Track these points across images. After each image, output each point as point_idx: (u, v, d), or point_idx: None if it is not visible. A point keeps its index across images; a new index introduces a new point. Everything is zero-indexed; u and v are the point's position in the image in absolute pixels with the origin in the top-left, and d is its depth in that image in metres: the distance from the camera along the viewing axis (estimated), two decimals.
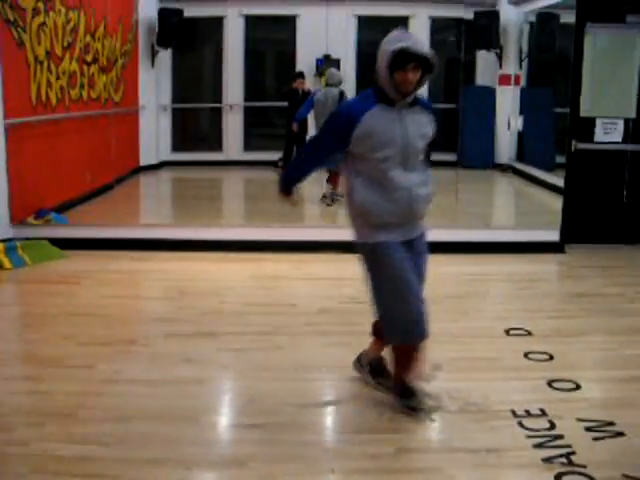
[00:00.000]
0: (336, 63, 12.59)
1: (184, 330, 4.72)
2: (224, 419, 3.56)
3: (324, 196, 9.14)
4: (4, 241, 6.44)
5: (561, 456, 3.16)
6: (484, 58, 13.57)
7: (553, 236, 7.04)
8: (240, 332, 4.65)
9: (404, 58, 3.19)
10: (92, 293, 5.56)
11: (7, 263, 6.16)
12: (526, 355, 4.34)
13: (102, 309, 5.17)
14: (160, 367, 4.11)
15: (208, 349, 4.34)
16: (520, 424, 3.45)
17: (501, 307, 5.43)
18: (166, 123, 13.42)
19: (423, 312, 3.46)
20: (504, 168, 12.89)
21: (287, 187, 3.59)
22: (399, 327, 3.45)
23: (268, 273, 6.09)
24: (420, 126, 3.38)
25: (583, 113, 7.04)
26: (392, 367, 3.66)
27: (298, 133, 10.77)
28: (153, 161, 12.70)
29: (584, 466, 3.07)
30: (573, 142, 7.05)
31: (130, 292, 5.80)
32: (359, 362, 3.89)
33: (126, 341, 4.56)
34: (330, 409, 3.68)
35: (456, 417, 3.54)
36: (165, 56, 12.90)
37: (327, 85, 9.84)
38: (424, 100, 3.50)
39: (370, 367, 3.84)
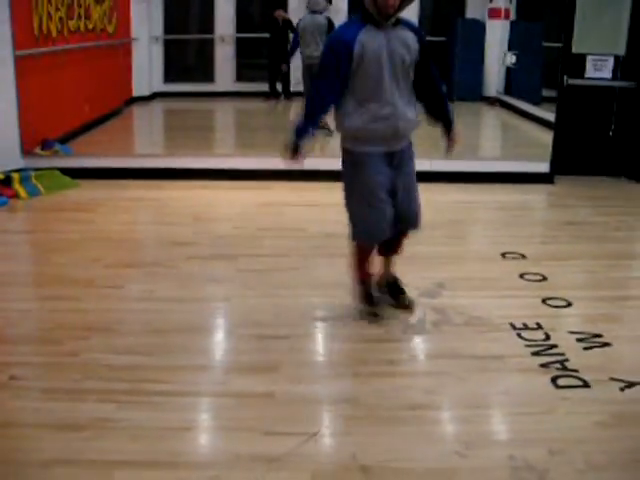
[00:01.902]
0: None
1: (203, 253, 5.04)
2: (252, 331, 3.88)
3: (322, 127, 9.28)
4: (18, 171, 6.67)
5: (556, 362, 3.53)
6: None
7: (543, 167, 7.35)
8: (256, 254, 4.97)
9: None
10: (109, 219, 5.84)
11: (23, 192, 6.40)
12: (521, 276, 4.70)
13: (121, 234, 5.48)
14: (187, 286, 4.43)
15: (229, 270, 4.65)
16: (519, 335, 3.82)
17: (496, 233, 5.79)
18: (158, 54, 13.47)
19: (385, 218, 3.75)
20: (492, 101, 13.12)
21: (298, 142, 3.72)
22: (361, 227, 3.80)
23: (274, 200, 6.38)
24: (406, 41, 3.65)
25: (574, 49, 7.27)
26: (350, 264, 4.04)
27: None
28: (146, 92, 12.80)
29: (576, 370, 3.45)
30: (565, 77, 7.30)
31: (145, 218, 6.12)
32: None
33: (150, 263, 4.89)
34: (347, 321, 3.99)
35: (462, 329, 3.91)
36: None
37: (311, 12, 9.37)
38: (408, 21, 3.78)
39: (388, 288, 4.18)
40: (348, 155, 3.79)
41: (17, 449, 2.79)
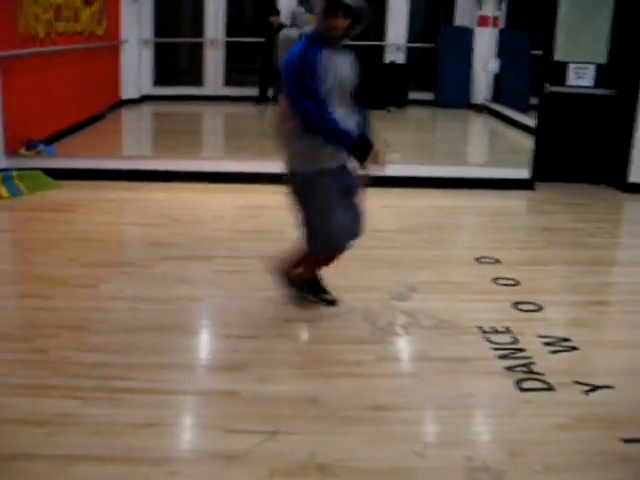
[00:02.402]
0: None
1: (179, 254, 5.06)
2: (221, 331, 3.92)
3: None
4: (0, 171, 6.68)
5: (522, 366, 3.56)
6: None
7: (524, 174, 7.41)
8: (232, 256, 4.99)
9: (333, 5, 3.59)
10: (88, 220, 5.86)
11: (4, 192, 6.41)
12: (494, 280, 4.74)
13: (99, 235, 5.49)
14: (159, 286, 4.45)
15: (203, 271, 4.69)
16: (487, 339, 3.85)
17: (472, 238, 5.84)
18: (147, 57, 13.49)
19: (345, 229, 3.86)
20: (479, 108, 13.17)
21: (358, 141, 3.76)
22: (321, 241, 3.87)
23: (254, 203, 6.41)
24: (351, 66, 3.80)
25: (556, 57, 7.34)
26: (303, 265, 4.10)
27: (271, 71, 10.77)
28: (135, 95, 12.81)
29: (542, 374, 3.48)
30: (546, 85, 7.36)
31: (124, 219, 6.13)
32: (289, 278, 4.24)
33: (125, 263, 4.91)
34: (316, 323, 4.04)
35: (430, 332, 3.94)
36: None
37: (291, 25, 9.72)
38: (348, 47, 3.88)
39: (308, 286, 4.22)
40: (296, 178, 3.86)
41: None
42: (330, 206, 3.78)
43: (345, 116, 3.74)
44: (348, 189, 3.87)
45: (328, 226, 3.80)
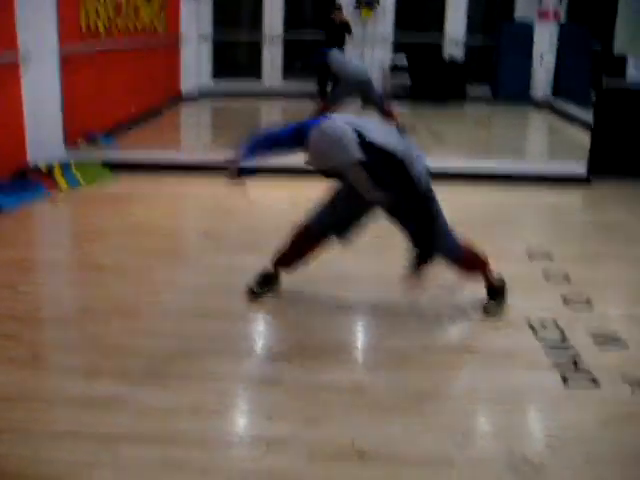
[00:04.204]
0: None
1: (230, 244, 5.16)
2: (269, 319, 4.01)
3: None
4: (60, 163, 6.86)
5: (569, 361, 3.53)
6: None
7: (580, 169, 7.30)
8: None
9: None
10: (144, 211, 5.99)
11: (63, 183, 6.59)
12: (545, 275, 4.69)
13: (154, 225, 5.61)
14: (210, 276, 4.53)
15: (254, 262, 4.72)
16: (535, 333, 3.82)
17: (526, 232, 5.76)
18: (206, 52, 13.68)
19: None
20: (539, 104, 13.01)
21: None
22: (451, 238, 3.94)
23: (309, 196, 6.41)
24: None
25: (616, 50, 7.21)
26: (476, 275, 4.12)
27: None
28: (194, 90, 13.01)
29: (589, 370, 3.44)
30: (604, 79, 7.23)
31: (179, 211, 6.26)
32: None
33: (178, 253, 5.05)
34: (367, 316, 4.10)
35: (477, 324, 3.93)
36: None
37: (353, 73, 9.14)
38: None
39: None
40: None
41: (32, 420, 2.91)
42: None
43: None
44: None
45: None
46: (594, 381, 3.35)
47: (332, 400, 3.12)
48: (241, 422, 2.98)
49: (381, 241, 4.77)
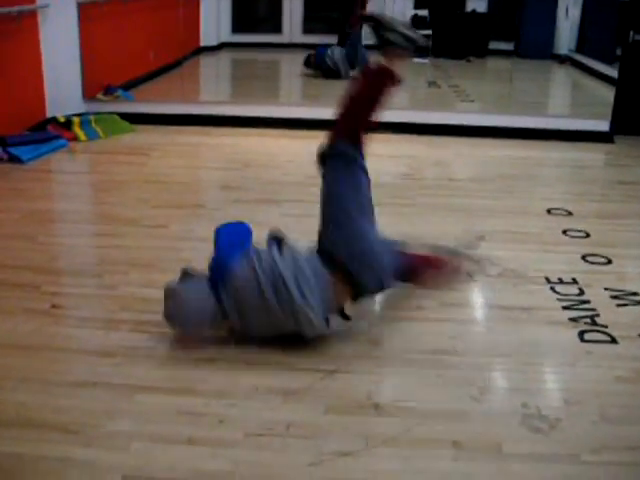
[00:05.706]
0: None
1: (249, 197, 5.14)
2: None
3: None
4: (78, 115, 6.86)
5: (586, 317, 3.51)
6: None
7: (603, 126, 7.18)
8: (301, 200, 4.98)
9: None
10: (161, 163, 5.99)
11: (82, 135, 6.59)
12: (564, 232, 4.65)
13: (172, 177, 5.59)
14: None
15: (271, 214, 4.72)
16: (552, 289, 3.80)
17: (546, 189, 5.70)
18: (226, 5, 13.51)
19: None
20: (562, 59, 12.76)
21: None
22: None
23: None
24: None
25: None
26: None
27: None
28: (213, 42, 12.86)
29: (606, 326, 3.42)
30: (631, 33, 7.07)
31: (197, 163, 6.24)
32: None
33: (195, 205, 5.01)
34: None
35: (495, 280, 3.91)
36: None
37: None
38: None
39: None
40: None
41: (50, 370, 2.94)
42: None
43: None
44: None
45: None
46: (611, 337, 3.33)
47: (348, 353, 3.13)
48: (258, 373, 2.99)
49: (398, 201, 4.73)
